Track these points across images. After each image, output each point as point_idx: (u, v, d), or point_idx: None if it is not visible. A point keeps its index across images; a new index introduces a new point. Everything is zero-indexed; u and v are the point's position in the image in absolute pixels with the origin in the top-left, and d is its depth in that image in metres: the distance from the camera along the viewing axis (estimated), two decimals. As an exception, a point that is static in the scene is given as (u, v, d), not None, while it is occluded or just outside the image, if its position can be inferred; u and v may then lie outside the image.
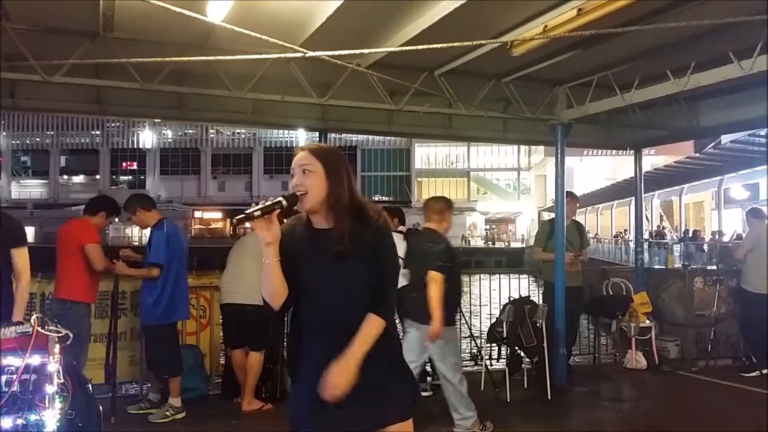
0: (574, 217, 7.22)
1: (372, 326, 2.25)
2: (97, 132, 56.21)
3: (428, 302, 4.61)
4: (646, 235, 19.97)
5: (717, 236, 21.32)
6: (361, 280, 2.28)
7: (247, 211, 2.20)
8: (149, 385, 5.85)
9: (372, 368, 2.23)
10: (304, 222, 2.37)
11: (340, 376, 2.17)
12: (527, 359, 6.54)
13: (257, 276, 5.64)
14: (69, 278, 5.12)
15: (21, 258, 4.13)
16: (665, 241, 23.78)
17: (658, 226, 28.46)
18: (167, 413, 5.34)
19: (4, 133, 55.48)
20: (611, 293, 7.86)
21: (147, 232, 5.45)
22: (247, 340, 5.67)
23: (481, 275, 9.21)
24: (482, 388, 6.24)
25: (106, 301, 6.00)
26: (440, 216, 5.03)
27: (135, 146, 56.87)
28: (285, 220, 2.35)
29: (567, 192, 7.00)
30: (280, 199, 2.21)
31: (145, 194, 6.56)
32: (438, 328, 4.59)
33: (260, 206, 2.19)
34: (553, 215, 7.22)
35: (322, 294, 2.29)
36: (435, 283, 4.62)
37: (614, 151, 23.34)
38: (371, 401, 2.28)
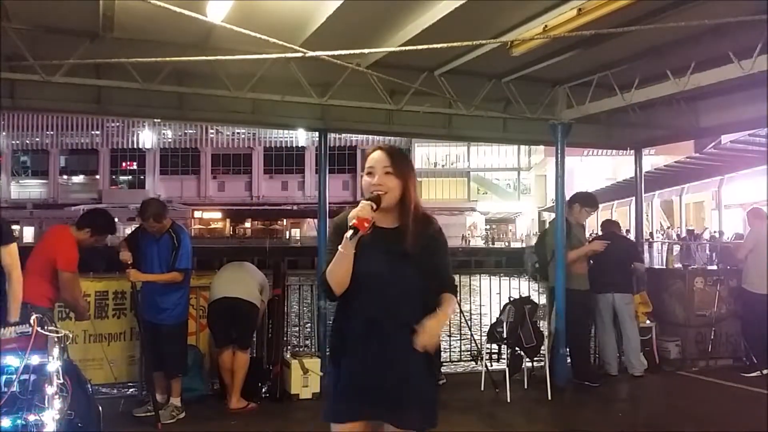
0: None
1: (452, 299, 2.47)
2: (97, 132, 56.21)
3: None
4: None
5: (717, 235, 21.32)
6: (418, 279, 2.43)
7: (350, 225, 2.35)
8: (148, 385, 5.84)
9: (412, 367, 2.41)
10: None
11: (432, 329, 2.35)
12: (527, 359, 6.53)
13: (251, 284, 5.70)
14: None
15: (9, 255, 3.98)
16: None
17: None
18: (173, 413, 5.35)
19: (4, 133, 55.44)
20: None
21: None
22: (236, 338, 5.71)
23: (481, 275, 9.21)
24: (482, 389, 6.24)
25: (105, 301, 6.01)
26: None
27: (135, 146, 56.88)
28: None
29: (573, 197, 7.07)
30: (372, 204, 2.39)
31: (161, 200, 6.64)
32: None
33: (358, 212, 2.35)
34: (553, 215, 7.22)
35: (380, 288, 2.41)
36: None
37: (614, 151, 23.32)
38: (401, 397, 2.41)
